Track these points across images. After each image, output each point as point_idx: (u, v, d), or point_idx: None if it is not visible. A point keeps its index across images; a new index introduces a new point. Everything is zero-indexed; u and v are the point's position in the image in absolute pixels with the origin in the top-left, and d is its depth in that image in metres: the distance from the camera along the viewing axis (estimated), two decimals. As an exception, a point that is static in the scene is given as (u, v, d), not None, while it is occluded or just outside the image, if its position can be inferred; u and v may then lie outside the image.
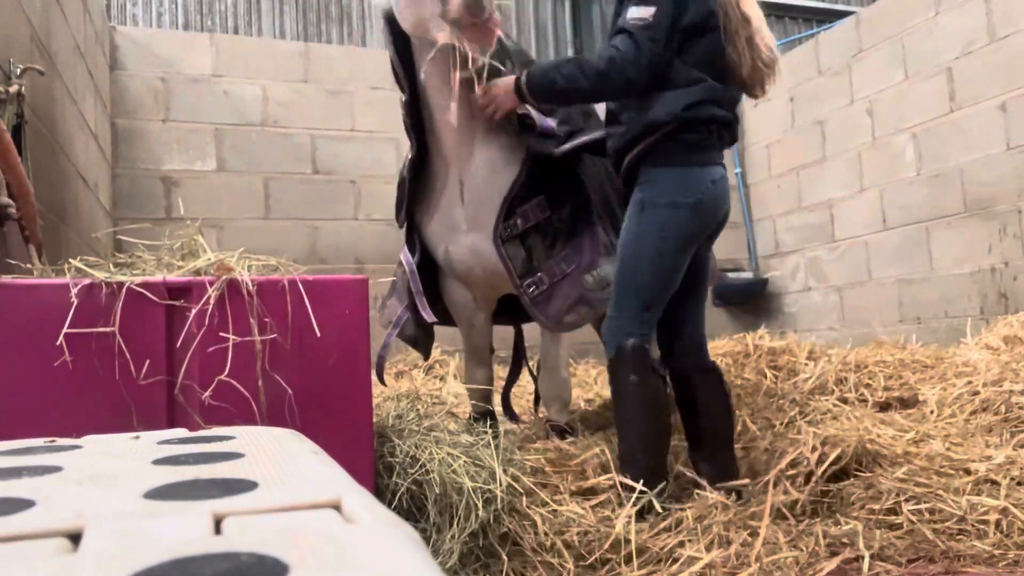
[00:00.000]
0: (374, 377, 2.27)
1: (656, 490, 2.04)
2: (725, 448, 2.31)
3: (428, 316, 2.65)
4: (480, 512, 1.80)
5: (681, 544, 1.82)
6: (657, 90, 2.14)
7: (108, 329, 1.57)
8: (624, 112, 2.23)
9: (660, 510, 2.01)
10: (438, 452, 1.93)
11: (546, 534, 1.87)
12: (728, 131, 2.26)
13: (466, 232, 2.58)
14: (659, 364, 2.20)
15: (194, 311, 1.64)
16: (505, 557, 1.77)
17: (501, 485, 1.85)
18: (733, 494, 2.12)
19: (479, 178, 2.50)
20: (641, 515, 1.98)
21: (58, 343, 1.55)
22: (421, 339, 2.83)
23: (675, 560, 1.78)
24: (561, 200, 2.56)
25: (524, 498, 1.99)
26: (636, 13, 2.12)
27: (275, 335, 1.69)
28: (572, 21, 8.08)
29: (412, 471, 1.89)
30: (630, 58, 2.10)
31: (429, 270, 2.78)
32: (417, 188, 2.65)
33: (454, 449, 1.95)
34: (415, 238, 2.73)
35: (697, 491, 2.14)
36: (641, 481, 2.04)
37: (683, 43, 2.15)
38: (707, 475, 2.21)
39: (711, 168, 2.20)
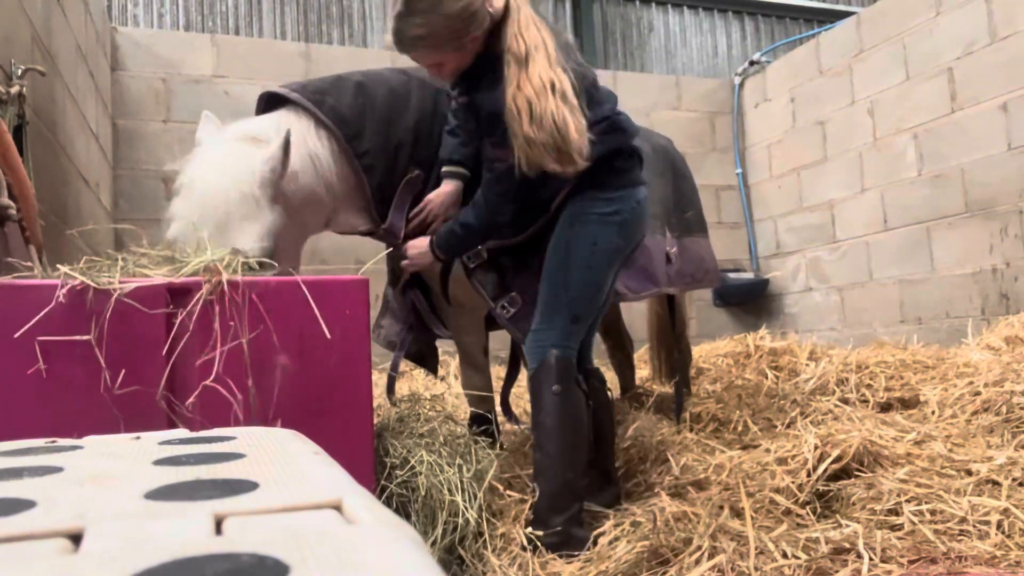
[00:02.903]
0: (375, 378, 2.27)
1: (569, 516, 1.99)
2: (607, 453, 2.33)
3: (443, 332, 2.69)
4: (458, 523, 1.82)
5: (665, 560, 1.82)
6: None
7: (85, 337, 1.57)
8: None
9: (581, 542, 1.98)
10: (428, 456, 1.95)
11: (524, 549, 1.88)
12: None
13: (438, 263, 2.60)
14: (581, 379, 2.16)
15: (187, 311, 1.64)
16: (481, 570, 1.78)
17: (472, 505, 1.87)
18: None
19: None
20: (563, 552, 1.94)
21: (54, 345, 1.55)
22: (427, 356, 2.84)
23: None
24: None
25: (498, 518, 2.00)
26: (491, 154, 2.13)
27: (275, 335, 1.69)
28: (572, 21, 8.08)
29: (401, 473, 1.91)
30: (500, 201, 2.15)
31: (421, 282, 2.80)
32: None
33: (441, 459, 1.96)
34: None
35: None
36: (553, 499, 2.00)
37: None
38: (589, 482, 2.22)
39: (637, 189, 2.21)
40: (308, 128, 2.31)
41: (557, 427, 2.07)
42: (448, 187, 2.40)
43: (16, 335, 1.53)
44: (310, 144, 2.29)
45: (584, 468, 2.12)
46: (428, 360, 2.87)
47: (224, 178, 2.05)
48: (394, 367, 2.70)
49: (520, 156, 1.99)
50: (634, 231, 2.22)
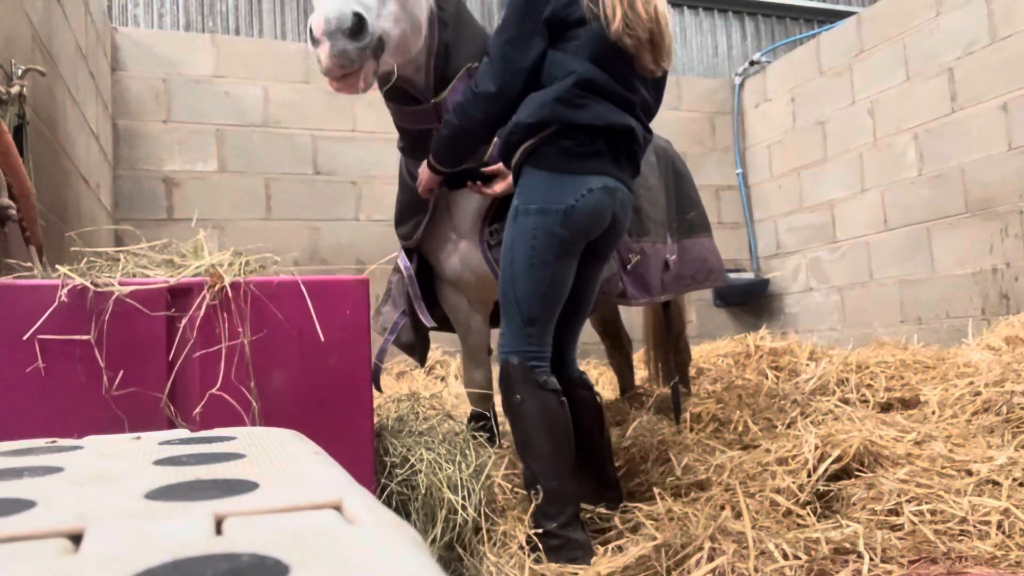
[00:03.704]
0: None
1: (563, 521, 1.94)
2: (603, 459, 2.26)
3: (428, 321, 2.65)
4: (457, 521, 1.82)
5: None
6: (532, 90, 2.07)
7: (85, 337, 1.57)
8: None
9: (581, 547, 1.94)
10: (428, 455, 1.95)
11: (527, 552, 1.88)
12: (626, 139, 2.09)
13: (455, 241, 2.60)
14: (549, 379, 2.04)
15: (192, 314, 1.64)
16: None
17: (471, 503, 1.87)
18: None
19: (464, 190, 2.50)
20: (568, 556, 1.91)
21: (54, 345, 1.55)
22: (417, 346, 2.83)
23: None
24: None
25: (500, 515, 2.00)
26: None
27: (276, 336, 1.69)
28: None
29: (401, 472, 1.91)
30: (485, 72, 2.06)
31: (426, 275, 2.79)
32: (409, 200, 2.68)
33: (440, 457, 1.96)
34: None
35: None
36: (543, 505, 1.96)
37: (560, 32, 2.04)
38: (588, 488, 2.20)
39: (590, 177, 2.04)
40: None
41: (527, 437, 2.02)
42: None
43: (24, 337, 1.53)
44: None
45: (573, 471, 2.06)
46: (417, 350, 2.85)
47: None
48: (381, 352, 2.66)
49: (615, 25, 1.99)
50: (584, 222, 2.04)
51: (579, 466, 2.22)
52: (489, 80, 2.05)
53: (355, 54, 2.03)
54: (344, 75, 2.07)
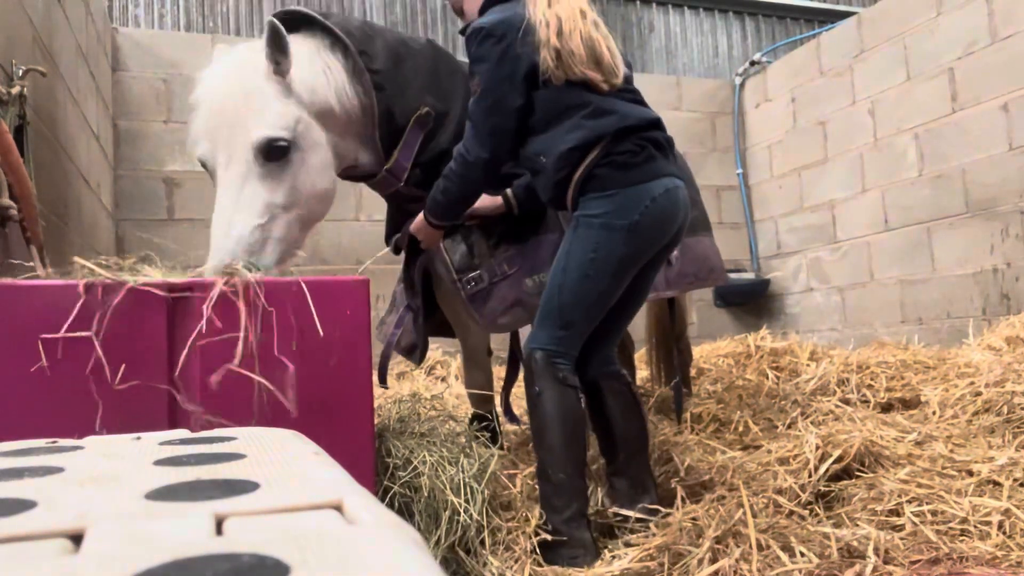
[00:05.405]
0: (375, 378, 2.27)
1: (567, 517, 1.95)
2: (638, 459, 2.21)
3: (419, 333, 2.67)
4: (460, 523, 1.82)
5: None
6: (552, 127, 2.07)
7: (86, 334, 1.57)
8: (534, 160, 2.13)
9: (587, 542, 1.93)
10: (430, 457, 1.95)
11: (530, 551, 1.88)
12: (661, 132, 2.13)
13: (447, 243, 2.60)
14: (571, 375, 2.06)
15: (194, 312, 1.64)
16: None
17: (475, 504, 1.87)
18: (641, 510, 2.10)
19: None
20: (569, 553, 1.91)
21: (60, 347, 1.55)
22: (419, 346, 2.83)
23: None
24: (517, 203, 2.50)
25: (503, 513, 2.00)
26: (470, 87, 2.14)
27: (276, 336, 1.69)
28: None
29: (403, 474, 1.91)
30: (473, 139, 2.09)
31: (426, 278, 2.79)
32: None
33: (443, 458, 1.96)
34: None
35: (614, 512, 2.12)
36: (551, 498, 1.97)
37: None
38: (621, 491, 2.16)
39: (651, 184, 2.03)
40: (322, 43, 2.30)
41: (542, 428, 2.04)
42: (497, 200, 2.42)
43: (41, 336, 1.53)
44: (324, 57, 2.28)
45: (583, 468, 2.05)
46: (416, 352, 2.84)
47: (228, 81, 2.13)
48: (388, 345, 2.61)
49: (547, 64, 2.02)
50: (652, 234, 2.06)
51: (612, 467, 2.20)
52: (480, 147, 2.09)
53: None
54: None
